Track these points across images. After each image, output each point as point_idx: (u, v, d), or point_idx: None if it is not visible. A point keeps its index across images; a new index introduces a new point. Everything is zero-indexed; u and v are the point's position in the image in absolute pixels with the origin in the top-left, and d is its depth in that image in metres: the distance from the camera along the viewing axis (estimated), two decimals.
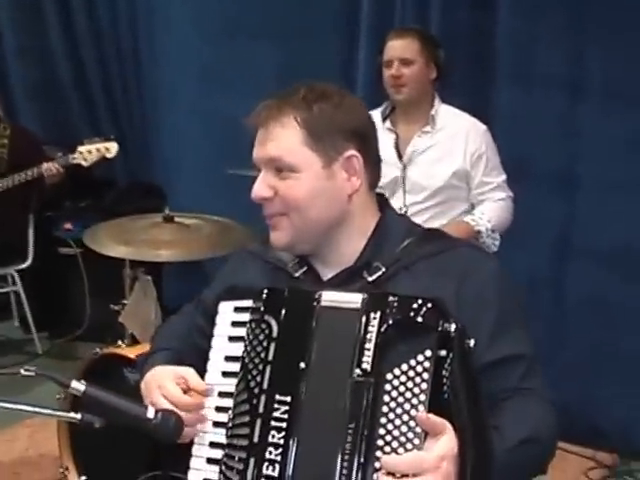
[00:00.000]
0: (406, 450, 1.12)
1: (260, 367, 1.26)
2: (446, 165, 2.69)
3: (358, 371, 1.17)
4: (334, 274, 1.40)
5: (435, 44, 2.75)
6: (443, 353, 1.14)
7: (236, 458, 1.24)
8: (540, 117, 3.08)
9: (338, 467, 1.15)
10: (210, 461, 1.30)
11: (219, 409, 1.31)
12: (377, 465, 1.13)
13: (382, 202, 1.46)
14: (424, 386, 1.13)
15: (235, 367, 1.30)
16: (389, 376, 1.15)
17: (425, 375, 1.13)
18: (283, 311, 1.27)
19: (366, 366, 1.17)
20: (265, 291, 1.30)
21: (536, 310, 3.01)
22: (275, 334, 1.26)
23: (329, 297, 1.26)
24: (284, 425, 1.21)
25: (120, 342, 2.63)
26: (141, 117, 4.29)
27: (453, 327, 1.15)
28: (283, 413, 1.21)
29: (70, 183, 3.68)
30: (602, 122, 2.98)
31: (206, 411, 1.33)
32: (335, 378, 1.20)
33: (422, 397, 1.13)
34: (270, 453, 1.20)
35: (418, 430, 1.12)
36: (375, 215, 1.43)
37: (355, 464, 1.14)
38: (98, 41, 4.29)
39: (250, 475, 1.21)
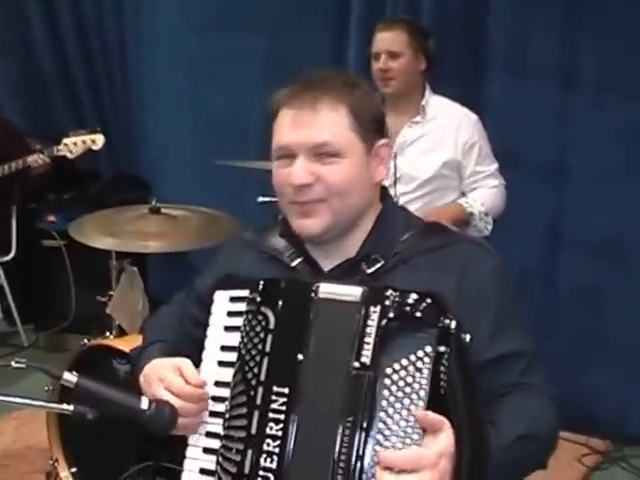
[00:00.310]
0: (405, 445, 1.11)
1: (257, 359, 1.23)
2: (436, 155, 2.68)
3: (357, 364, 1.16)
4: (335, 265, 1.37)
5: (424, 35, 2.72)
6: (442, 349, 1.12)
7: (233, 449, 1.22)
8: (531, 107, 3.08)
9: (335, 460, 1.13)
10: (206, 451, 1.28)
11: (215, 399, 1.29)
12: (375, 459, 1.11)
13: (383, 193, 1.43)
14: (423, 382, 1.12)
15: (231, 357, 1.28)
16: (388, 370, 1.13)
17: (425, 371, 1.12)
18: (280, 302, 1.24)
19: (365, 360, 1.16)
20: (261, 282, 1.27)
21: (527, 300, 3.01)
22: (272, 325, 1.24)
23: (327, 289, 1.23)
24: (282, 417, 1.19)
25: (108, 333, 2.60)
26: (126, 109, 4.23)
27: (454, 324, 1.14)
28: (281, 405, 1.20)
29: (54, 175, 3.64)
30: (593, 113, 2.99)
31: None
32: (333, 371, 1.18)
33: (421, 393, 1.12)
34: (268, 445, 1.19)
35: (417, 426, 1.10)
36: (378, 206, 1.41)
37: (353, 458, 1.12)
38: (83, 34, 4.22)
39: (248, 466, 1.20)
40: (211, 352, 1.32)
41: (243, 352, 1.25)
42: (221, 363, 1.30)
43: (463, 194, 2.74)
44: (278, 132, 1.35)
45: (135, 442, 2.17)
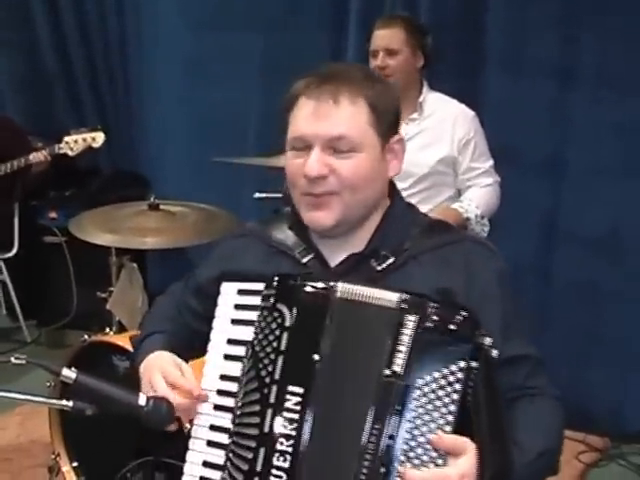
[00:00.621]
0: (431, 459, 1.09)
1: (272, 356, 1.20)
2: (433, 151, 2.66)
3: (388, 372, 1.13)
4: (341, 260, 1.34)
5: (422, 32, 2.70)
6: (474, 364, 1.11)
7: (244, 446, 1.20)
8: (529, 104, 3.06)
9: (357, 465, 1.12)
10: (211, 444, 1.26)
11: (220, 392, 1.26)
12: (399, 470, 1.10)
13: (392, 189, 1.40)
14: (455, 396, 1.11)
15: (238, 350, 1.26)
16: (420, 381, 1.12)
17: (457, 385, 1.11)
18: (297, 300, 1.21)
19: (397, 368, 1.13)
20: (276, 278, 1.24)
21: (523, 295, 2.98)
22: (288, 323, 1.21)
23: (349, 289, 1.19)
24: (296, 417, 1.17)
25: (108, 329, 2.60)
26: (126, 107, 4.22)
27: (488, 340, 1.13)
28: (295, 404, 1.17)
29: (54, 172, 3.64)
30: (590, 109, 2.97)
31: (208, 393, 1.28)
32: (357, 374, 1.16)
33: (452, 407, 1.10)
34: (281, 444, 1.16)
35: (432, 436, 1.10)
36: (386, 201, 1.38)
37: (377, 465, 1.11)
38: (84, 33, 4.21)
39: (260, 465, 1.18)
40: (217, 345, 1.29)
41: (257, 349, 1.22)
42: (227, 356, 1.27)
43: (459, 191, 2.72)
44: (295, 122, 1.31)
45: (135, 437, 2.17)
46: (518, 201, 2.96)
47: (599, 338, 3.07)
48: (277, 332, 1.21)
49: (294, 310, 1.21)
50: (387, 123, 1.31)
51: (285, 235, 1.39)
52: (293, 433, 1.16)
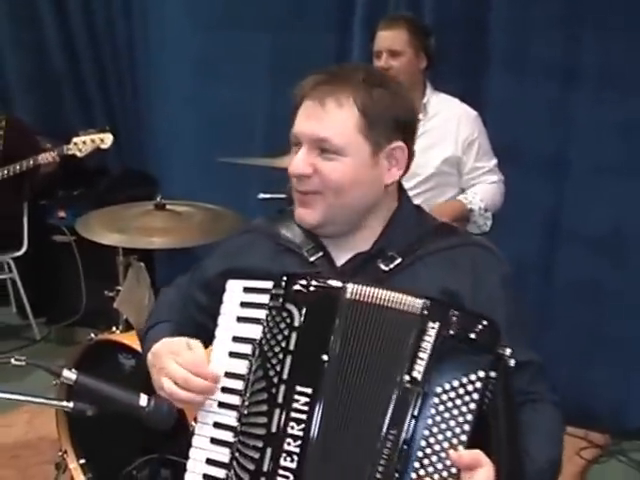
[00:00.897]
0: (445, 467, 1.08)
1: (280, 356, 1.18)
2: (437, 152, 2.65)
3: (407, 377, 1.12)
4: (347, 259, 1.33)
5: (425, 33, 2.69)
6: (493, 374, 1.10)
7: (251, 446, 1.18)
8: (531, 103, 3.05)
9: (369, 472, 1.10)
10: (214, 441, 1.23)
11: (225, 390, 1.24)
12: (412, 478, 1.09)
13: (400, 191, 1.39)
14: (472, 406, 1.09)
15: (243, 348, 1.23)
16: (438, 389, 1.10)
17: (475, 395, 1.09)
18: (306, 300, 1.19)
19: (417, 375, 1.12)
20: (285, 278, 1.22)
21: (525, 294, 2.98)
22: (297, 323, 1.19)
23: (361, 291, 1.17)
24: (304, 417, 1.15)
25: (114, 328, 2.59)
26: (134, 106, 4.21)
27: (508, 351, 1.11)
28: (303, 405, 1.16)
29: (63, 172, 3.63)
30: (592, 109, 2.96)
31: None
32: (371, 377, 1.14)
33: (469, 417, 1.09)
34: (288, 444, 1.15)
35: (460, 449, 1.08)
36: (392, 205, 1.37)
37: (390, 473, 1.09)
38: (93, 33, 4.21)
39: (267, 465, 1.16)
40: (222, 342, 1.27)
41: (265, 348, 1.20)
42: (232, 354, 1.25)
43: (462, 190, 2.71)
44: (295, 120, 1.33)
45: (142, 435, 2.15)
46: (521, 200, 2.94)
47: (601, 336, 3.06)
48: (286, 332, 1.19)
49: (303, 310, 1.19)
50: (382, 129, 1.29)
51: (293, 233, 1.38)
52: (301, 434, 1.14)
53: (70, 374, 1.21)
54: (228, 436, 1.22)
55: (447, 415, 1.09)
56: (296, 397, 1.16)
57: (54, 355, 3.53)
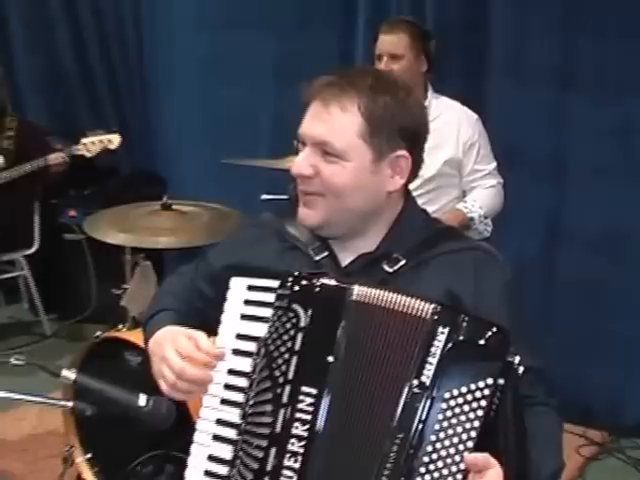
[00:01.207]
0: (451, 473, 1.07)
1: (286, 356, 1.17)
2: (438, 154, 2.63)
3: (415, 382, 1.11)
4: (351, 260, 1.32)
5: (426, 37, 2.67)
6: (501, 381, 1.08)
7: (255, 445, 1.17)
8: (530, 107, 3.03)
9: (375, 474, 1.09)
10: (216, 438, 1.22)
11: (227, 387, 1.22)
12: None
13: (406, 194, 1.37)
14: (480, 413, 1.08)
15: (246, 346, 1.22)
16: (447, 395, 1.09)
17: (483, 402, 1.08)
18: (312, 300, 1.18)
19: (425, 380, 1.10)
20: (290, 278, 1.20)
21: (526, 293, 2.96)
22: (303, 324, 1.17)
23: (368, 293, 1.16)
24: (309, 418, 1.14)
25: (120, 326, 2.59)
26: (143, 107, 4.22)
27: (517, 359, 1.10)
28: (308, 405, 1.14)
29: (74, 172, 3.63)
30: (591, 112, 2.94)
31: (215, 386, 1.24)
32: (378, 380, 1.13)
33: (476, 423, 1.08)
34: (292, 445, 1.14)
35: (467, 455, 1.07)
36: (396, 209, 1.35)
37: (396, 477, 1.08)
38: (103, 35, 4.23)
39: (270, 464, 1.15)
40: (225, 339, 1.25)
41: (271, 348, 1.19)
42: (236, 351, 1.23)
43: (464, 192, 2.71)
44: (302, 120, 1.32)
45: (147, 431, 2.15)
46: (521, 202, 2.94)
47: (599, 335, 3.05)
48: (292, 332, 1.18)
49: (309, 311, 1.17)
50: (385, 137, 1.26)
51: (299, 230, 1.37)
52: (305, 434, 1.13)
53: (69, 374, 1.21)
54: (230, 433, 1.21)
55: (454, 421, 1.08)
56: (301, 397, 1.15)
57: (64, 351, 3.54)
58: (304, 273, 1.21)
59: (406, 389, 1.11)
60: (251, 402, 1.19)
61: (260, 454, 1.15)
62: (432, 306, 1.13)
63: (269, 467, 1.14)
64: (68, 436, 2.49)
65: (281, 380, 1.17)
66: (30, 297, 3.97)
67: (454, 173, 2.68)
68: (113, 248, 2.70)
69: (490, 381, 1.08)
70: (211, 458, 1.22)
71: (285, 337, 1.18)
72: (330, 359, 1.15)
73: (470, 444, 1.08)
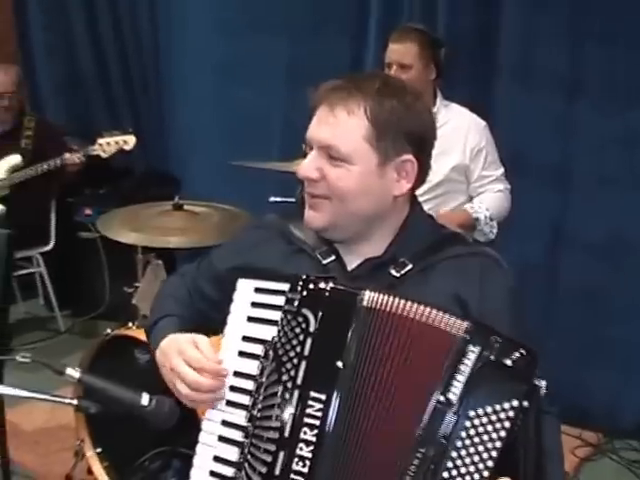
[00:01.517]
0: None
1: (295, 361, 1.15)
2: (446, 160, 2.61)
3: (442, 398, 1.09)
4: (358, 264, 1.31)
5: (436, 45, 2.65)
6: (526, 404, 1.07)
7: (263, 449, 1.15)
8: (537, 114, 3.01)
9: None
10: (222, 439, 1.20)
11: (233, 388, 1.21)
12: None
13: (412, 199, 1.36)
14: (502, 433, 1.06)
15: (253, 348, 1.20)
16: (471, 413, 1.07)
17: (506, 423, 1.06)
18: (322, 305, 1.16)
19: (452, 397, 1.08)
20: (300, 282, 1.18)
21: (528, 298, 2.95)
22: (312, 328, 1.15)
23: (378, 299, 1.14)
24: (317, 423, 1.12)
25: (130, 323, 2.59)
26: (158, 108, 4.24)
27: (544, 384, 1.09)
28: (317, 411, 1.13)
29: (90, 171, 3.65)
30: (597, 120, 2.92)
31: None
32: (392, 389, 1.11)
33: (497, 444, 1.06)
34: (301, 449, 1.12)
35: (485, 474, 1.06)
36: (402, 214, 1.33)
37: None
38: (120, 38, 4.25)
39: (279, 468, 1.13)
40: (231, 341, 1.23)
41: (280, 352, 1.17)
42: (242, 353, 1.22)
43: (471, 198, 2.69)
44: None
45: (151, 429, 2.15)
46: (526, 208, 2.92)
47: (598, 340, 3.04)
48: (301, 337, 1.16)
49: (319, 315, 1.15)
50: (391, 141, 1.24)
51: (305, 233, 1.35)
52: (314, 439, 1.12)
53: (73, 372, 1.20)
54: (236, 435, 1.19)
55: (477, 440, 1.06)
56: (310, 402, 1.13)
57: (77, 346, 3.55)
58: (313, 277, 1.19)
59: (431, 403, 1.09)
60: (259, 406, 1.17)
61: (268, 458, 1.14)
62: (467, 324, 1.11)
63: (277, 471, 1.13)
64: (79, 431, 2.50)
65: (290, 385, 1.15)
66: (45, 293, 3.99)
67: (461, 179, 2.66)
68: (126, 247, 2.70)
69: (515, 403, 1.06)
70: (217, 459, 1.20)
71: (294, 342, 1.16)
72: (339, 364, 1.13)
73: (490, 463, 1.06)
